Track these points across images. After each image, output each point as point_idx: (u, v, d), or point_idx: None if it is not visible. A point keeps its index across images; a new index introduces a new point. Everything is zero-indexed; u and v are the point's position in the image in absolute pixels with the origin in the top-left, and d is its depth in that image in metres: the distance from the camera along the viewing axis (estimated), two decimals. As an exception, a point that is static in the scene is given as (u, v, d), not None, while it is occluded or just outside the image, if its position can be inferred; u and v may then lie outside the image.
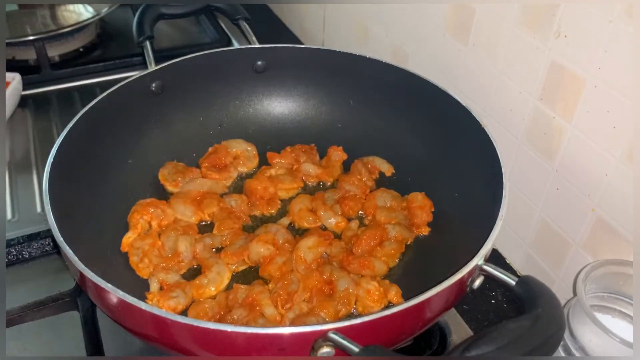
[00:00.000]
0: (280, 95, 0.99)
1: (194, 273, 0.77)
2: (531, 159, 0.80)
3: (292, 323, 0.68)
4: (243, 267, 0.78)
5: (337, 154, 0.94)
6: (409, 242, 0.81)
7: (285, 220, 0.85)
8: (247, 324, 0.67)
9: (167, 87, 0.90)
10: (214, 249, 0.80)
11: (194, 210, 0.83)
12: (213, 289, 0.74)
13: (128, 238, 0.78)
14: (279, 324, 0.69)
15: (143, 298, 0.72)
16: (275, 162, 0.93)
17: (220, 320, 0.69)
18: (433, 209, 0.84)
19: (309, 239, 0.78)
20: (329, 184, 0.92)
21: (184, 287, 0.72)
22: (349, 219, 0.85)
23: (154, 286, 0.73)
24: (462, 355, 0.48)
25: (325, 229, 0.84)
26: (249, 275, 0.77)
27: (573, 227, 0.76)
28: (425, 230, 0.83)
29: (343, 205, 0.86)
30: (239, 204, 0.85)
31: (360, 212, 0.87)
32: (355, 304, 0.72)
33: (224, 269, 0.76)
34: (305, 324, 0.67)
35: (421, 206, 0.84)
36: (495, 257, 0.91)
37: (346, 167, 0.93)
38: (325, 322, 0.56)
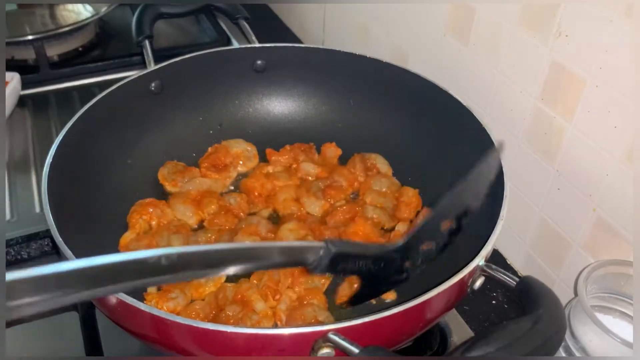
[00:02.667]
0: (280, 95, 0.98)
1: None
2: (531, 159, 0.80)
3: (288, 317, 0.69)
4: None
5: (332, 150, 0.94)
6: (385, 227, 0.83)
7: (265, 212, 0.85)
8: (242, 320, 0.68)
9: (167, 86, 0.90)
10: None
11: (194, 210, 0.83)
12: (212, 286, 0.74)
13: (126, 238, 0.78)
14: (272, 317, 0.70)
15: (142, 299, 0.72)
16: (274, 160, 0.93)
17: (214, 319, 0.70)
18: (420, 209, 0.85)
19: (290, 223, 0.80)
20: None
21: (182, 288, 0.72)
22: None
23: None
24: (463, 355, 0.48)
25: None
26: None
27: (573, 228, 0.76)
28: (404, 226, 0.83)
29: (326, 194, 0.87)
30: (239, 202, 0.85)
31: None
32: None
33: None
34: (304, 323, 0.68)
35: (407, 202, 0.85)
36: (496, 258, 0.91)
37: (345, 162, 0.94)
38: (325, 323, 0.56)
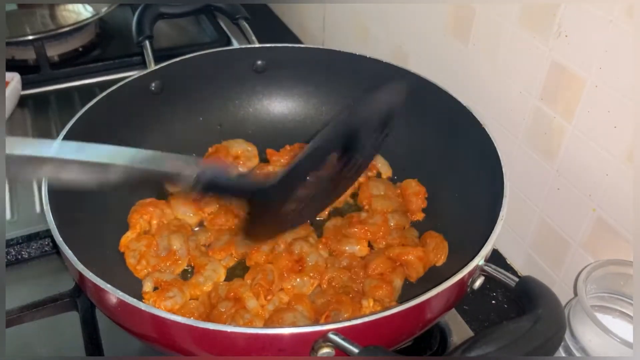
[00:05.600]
0: (280, 95, 0.98)
1: (189, 274, 0.77)
2: (531, 159, 0.80)
3: (271, 316, 0.69)
4: (233, 263, 0.78)
5: None
6: (405, 228, 0.83)
7: None
8: (234, 316, 0.68)
9: (167, 87, 0.90)
10: (203, 246, 0.80)
11: (195, 211, 0.83)
12: (210, 285, 0.74)
13: (127, 237, 0.78)
14: (263, 316, 0.70)
15: (140, 298, 0.72)
16: (274, 160, 0.93)
17: (208, 316, 0.70)
18: (427, 195, 0.86)
19: None
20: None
21: (180, 287, 0.73)
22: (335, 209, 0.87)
23: (147, 286, 0.73)
24: (463, 355, 0.48)
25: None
26: (243, 268, 0.78)
27: (573, 227, 0.76)
28: (420, 216, 0.84)
29: None
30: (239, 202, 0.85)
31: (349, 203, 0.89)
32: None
33: (217, 265, 0.77)
34: (280, 325, 0.67)
35: (415, 192, 0.85)
36: (496, 258, 0.90)
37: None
38: (325, 323, 0.56)
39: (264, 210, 0.62)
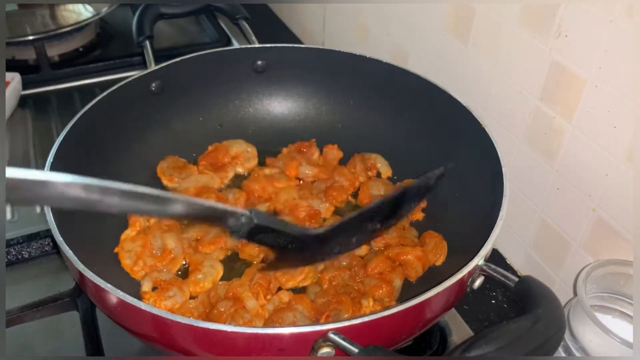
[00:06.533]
0: (280, 95, 0.98)
1: (185, 272, 0.77)
2: (531, 159, 0.80)
3: (271, 316, 0.69)
4: (223, 255, 0.79)
5: (333, 152, 0.94)
6: (405, 227, 0.83)
7: (262, 207, 0.86)
8: (233, 315, 0.68)
9: (167, 87, 0.90)
10: (194, 241, 0.80)
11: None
12: (210, 282, 0.74)
13: (126, 235, 0.78)
14: (263, 316, 0.70)
15: (142, 298, 0.72)
16: (270, 163, 0.93)
17: (208, 316, 0.70)
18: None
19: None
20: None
21: (180, 285, 0.73)
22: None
23: (146, 285, 0.73)
24: (463, 355, 0.48)
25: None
26: (238, 261, 0.79)
27: (573, 227, 0.76)
28: (419, 216, 0.84)
29: (327, 195, 0.87)
30: (236, 198, 0.85)
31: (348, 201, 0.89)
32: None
33: (214, 261, 0.77)
34: (280, 325, 0.68)
35: None
36: (496, 257, 0.91)
37: (344, 162, 0.94)
38: (325, 323, 0.56)
39: (298, 252, 0.61)
